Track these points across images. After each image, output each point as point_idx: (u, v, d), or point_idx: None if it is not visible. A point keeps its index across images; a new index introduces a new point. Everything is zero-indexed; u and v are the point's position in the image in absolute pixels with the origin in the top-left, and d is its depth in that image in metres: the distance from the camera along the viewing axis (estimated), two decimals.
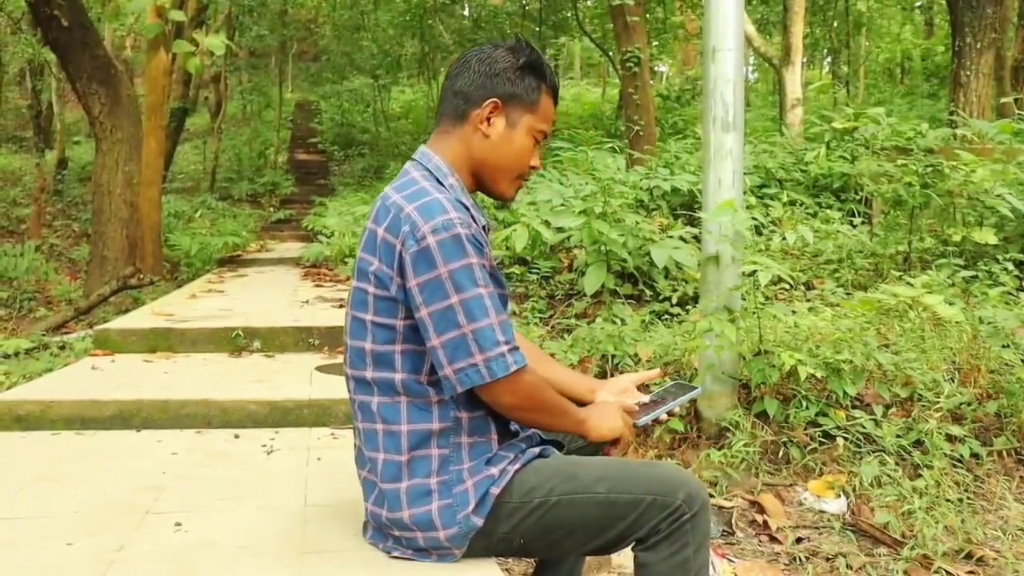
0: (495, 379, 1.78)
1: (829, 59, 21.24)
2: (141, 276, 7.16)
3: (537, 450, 1.93)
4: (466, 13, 18.27)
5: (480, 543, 1.87)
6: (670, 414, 2.07)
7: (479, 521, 1.83)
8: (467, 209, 1.88)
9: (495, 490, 1.83)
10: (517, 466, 1.87)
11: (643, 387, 2.18)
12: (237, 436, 3.35)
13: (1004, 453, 3.30)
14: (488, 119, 1.93)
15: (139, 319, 5.15)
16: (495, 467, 1.86)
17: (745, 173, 4.07)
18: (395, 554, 1.93)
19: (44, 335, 5.72)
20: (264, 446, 3.22)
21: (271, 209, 13.79)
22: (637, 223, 5.11)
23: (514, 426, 1.99)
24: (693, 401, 2.08)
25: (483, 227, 1.93)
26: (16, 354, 5.12)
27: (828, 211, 6.23)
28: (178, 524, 2.34)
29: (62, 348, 5.30)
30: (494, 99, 1.92)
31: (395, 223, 1.81)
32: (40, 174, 11.80)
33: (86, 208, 11.34)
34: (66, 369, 4.29)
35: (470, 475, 1.85)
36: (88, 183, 11.80)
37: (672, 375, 3.83)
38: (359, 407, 1.94)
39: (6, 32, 17.52)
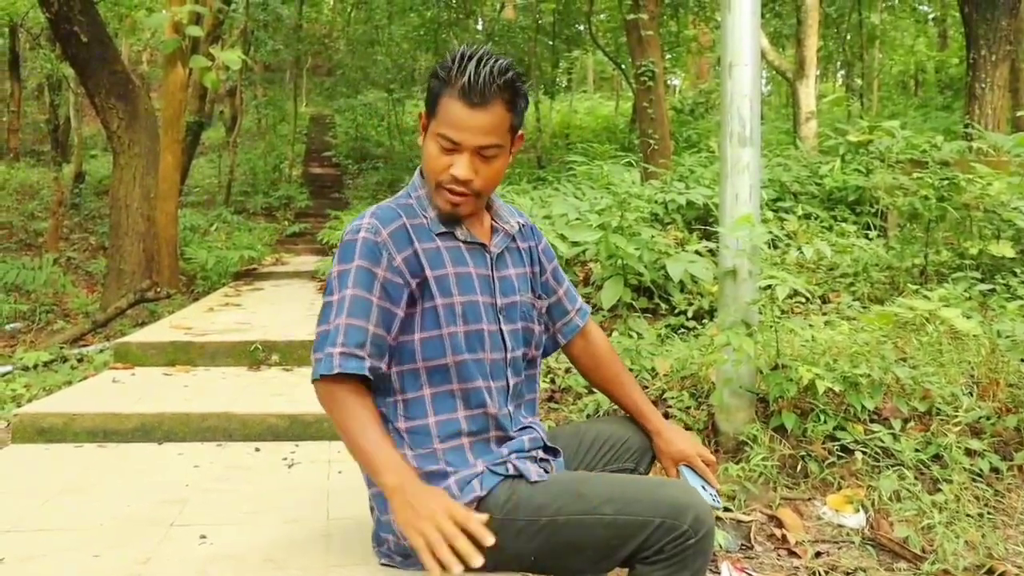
0: (316, 377, 1.82)
1: (843, 72, 21.25)
2: (158, 289, 7.20)
3: (502, 472, 1.89)
4: (480, 27, 18.35)
5: (489, 559, 1.84)
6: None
7: None
8: (407, 218, 1.92)
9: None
10: (482, 492, 1.85)
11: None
12: (258, 449, 3.38)
13: None
14: (422, 132, 1.97)
15: (158, 332, 5.19)
16: (454, 482, 1.87)
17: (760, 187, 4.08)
18: (383, 561, 1.95)
19: (63, 348, 5.76)
20: (285, 459, 3.24)
21: (286, 222, 13.83)
22: (653, 237, 5.13)
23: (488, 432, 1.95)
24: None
25: (465, 238, 1.96)
26: (35, 366, 5.17)
27: (843, 224, 6.24)
28: (203, 537, 2.37)
29: (80, 360, 5.35)
30: (421, 112, 1.97)
31: None
32: (58, 188, 11.88)
33: (103, 221, 11.42)
34: (87, 382, 4.32)
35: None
36: (105, 197, 11.90)
37: (689, 390, 3.85)
38: None
39: (25, 48, 17.72)
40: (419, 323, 1.89)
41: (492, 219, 2.07)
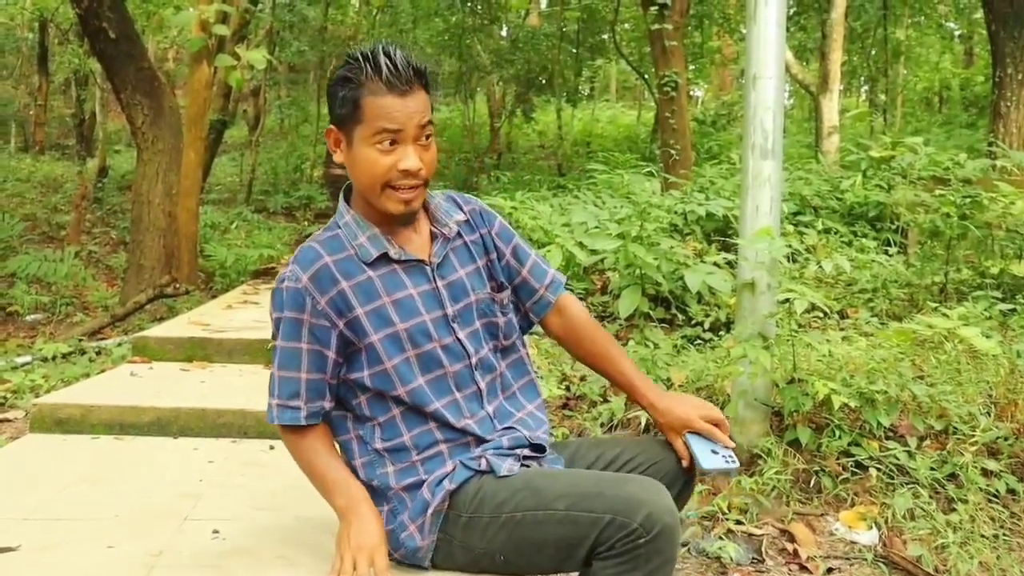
0: (272, 423, 1.96)
1: (866, 87, 21.15)
2: (177, 285, 7.24)
3: (474, 467, 1.90)
4: (504, 34, 18.39)
5: (463, 558, 1.89)
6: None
7: (419, 541, 1.89)
8: (331, 255, 1.90)
9: (431, 510, 1.87)
10: (451, 486, 1.88)
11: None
12: (272, 447, 3.39)
13: None
14: (336, 150, 1.92)
15: (176, 328, 5.22)
16: (426, 487, 1.90)
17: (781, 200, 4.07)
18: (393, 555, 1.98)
19: (81, 340, 5.81)
20: None
21: (305, 222, 13.86)
22: (672, 247, 5.13)
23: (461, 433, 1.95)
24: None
25: (400, 257, 1.93)
26: (54, 358, 5.21)
27: (863, 240, 6.20)
28: (216, 531, 2.38)
29: (99, 353, 5.39)
30: (329, 128, 1.92)
31: None
32: (81, 182, 12.00)
33: (124, 216, 11.50)
34: (105, 375, 4.36)
35: (410, 500, 1.91)
36: (127, 192, 11.97)
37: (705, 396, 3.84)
38: None
39: (54, 42, 17.89)
40: (364, 360, 1.91)
41: (431, 223, 2.02)
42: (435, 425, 1.93)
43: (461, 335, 1.96)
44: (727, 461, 1.96)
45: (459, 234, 2.04)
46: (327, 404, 1.95)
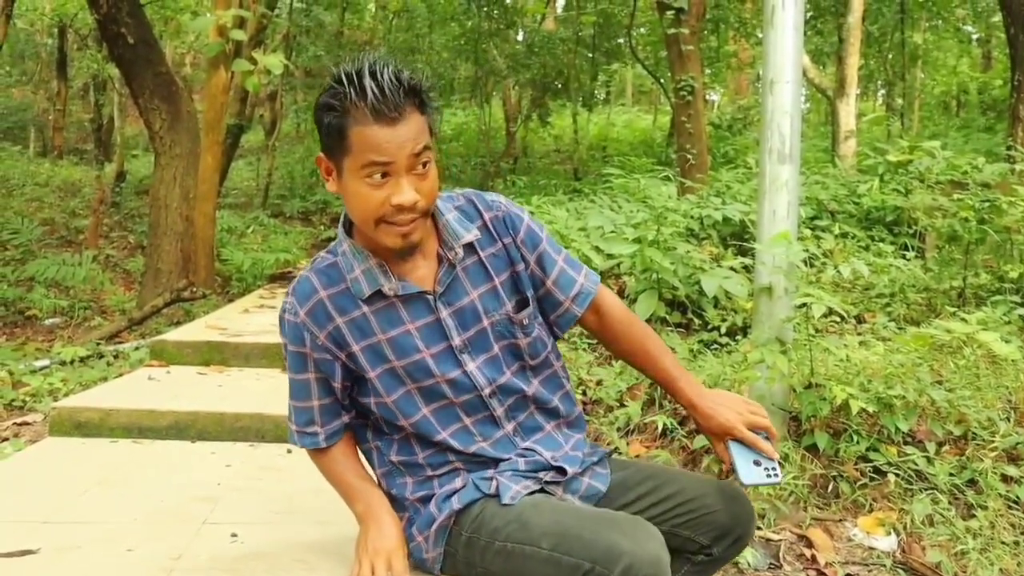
0: (295, 445, 2.01)
1: (883, 91, 21.06)
2: (194, 289, 7.28)
3: (484, 490, 1.86)
4: (520, 38, 18.40)
5: (467, 573, 1.88)
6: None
7: (425, 553, 1.90)
8: (327, 288, 1.84)
9: (436, 524, 1.87)
10: (458, 505, 1.86)
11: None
12: (290, 451, 3.40)
13: None
14: (328, 179, 1.77)
15: (193, 332, 5.24)
16: (434, 502, 1.90)
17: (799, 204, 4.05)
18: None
19: (99, 344, 5.84)
20: None
21: (322, 227, 13.91)
22: (688, 252, 5.12)
23: (478, 451, 1.91)
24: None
25: (395, 293, 1.81)
26: (72, 362, 5.24)
27: (880, 244, 6.17)
28: (234, 535, 2.39)
29: (117, 357, 5.42)
30: (319, 156, 1.77)
31: None
32: (99, 186, 12.10)
33: (142, 220, 11.57)
34: (123, 378, 4.38)
35: (423, 511, 1.92)
36: (145, 196, 12.05)
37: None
38: None
39: (73, 48, 18.04)
40: (369, 389, 1.89)
41: (439, 244, 1.86)
42: (446, 448, 1.90)
43: (471, 366, 1.86)
44: (769, 475, 1.85)
45: (474, 250, 1.88)
46: (345, 419, 1.97)
